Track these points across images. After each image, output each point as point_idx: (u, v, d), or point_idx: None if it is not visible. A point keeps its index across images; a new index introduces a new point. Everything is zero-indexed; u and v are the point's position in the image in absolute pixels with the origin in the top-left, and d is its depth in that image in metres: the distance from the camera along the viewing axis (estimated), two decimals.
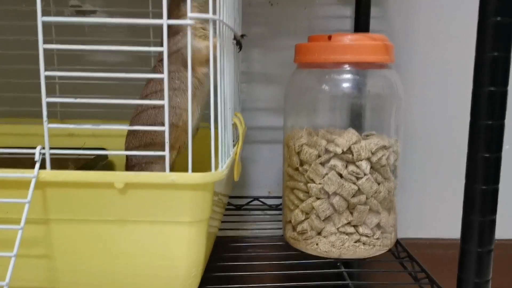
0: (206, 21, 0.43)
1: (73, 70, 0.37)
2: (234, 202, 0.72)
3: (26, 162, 0.37)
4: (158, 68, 0.49)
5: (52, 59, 0.65)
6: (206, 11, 0.40)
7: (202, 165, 0.39)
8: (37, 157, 0.35)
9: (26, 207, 0.34)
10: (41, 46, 0.35)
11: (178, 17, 0.46)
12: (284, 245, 0.56)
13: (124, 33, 0.71)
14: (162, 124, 0.35)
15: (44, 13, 0.34)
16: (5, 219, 0.36)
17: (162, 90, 0.38)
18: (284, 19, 0.73)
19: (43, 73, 0.35)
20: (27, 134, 0.63)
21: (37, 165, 0.35)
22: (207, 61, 0.46)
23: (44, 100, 0.35)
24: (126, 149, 0.49)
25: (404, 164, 0.75)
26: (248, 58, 0.73)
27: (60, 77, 0.64)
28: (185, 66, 0.44)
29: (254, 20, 0.72)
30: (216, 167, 0.38)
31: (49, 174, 0.35)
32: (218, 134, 0.38)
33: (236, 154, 0.48)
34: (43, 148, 0.36)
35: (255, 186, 0.76)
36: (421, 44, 0.74)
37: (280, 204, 0.71)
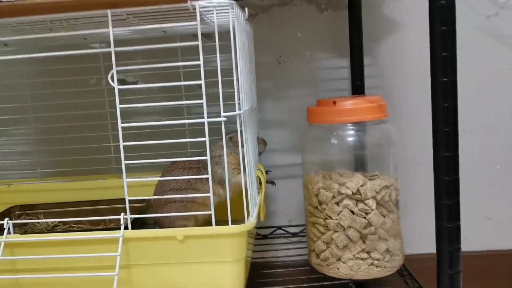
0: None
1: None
2: (261, 232, 0.85)
3: None
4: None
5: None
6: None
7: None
8: (122, 221, 0.49)
9: (118, 258, 0.48)
10: (120, 126, 0.49)
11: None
12: (309, 269, 0.67)
13: (161, 98, 0.85)
14: None
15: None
16: (100, 266, 0.50)
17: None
18: (290, 73, 0.86)
19: (122, 144, 0.49)
20: (89, 188, 0.78)
21: (122, 227, 0.49)
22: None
23: (123, 162, 0.49)
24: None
25: (410, 187, 0.85)
26: (262, 108, 0.86)
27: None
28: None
29: (265, 76, 0.85)
30: (248, 217, 0.51)
31: (131, 233, 0.50)
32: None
33: (261, 200, 0.61)
34: (125, 214, 0.50)
35: (277, 216, 0.88)
36: (410, 82, 0.84)
37: (300, 232, 0.83)
